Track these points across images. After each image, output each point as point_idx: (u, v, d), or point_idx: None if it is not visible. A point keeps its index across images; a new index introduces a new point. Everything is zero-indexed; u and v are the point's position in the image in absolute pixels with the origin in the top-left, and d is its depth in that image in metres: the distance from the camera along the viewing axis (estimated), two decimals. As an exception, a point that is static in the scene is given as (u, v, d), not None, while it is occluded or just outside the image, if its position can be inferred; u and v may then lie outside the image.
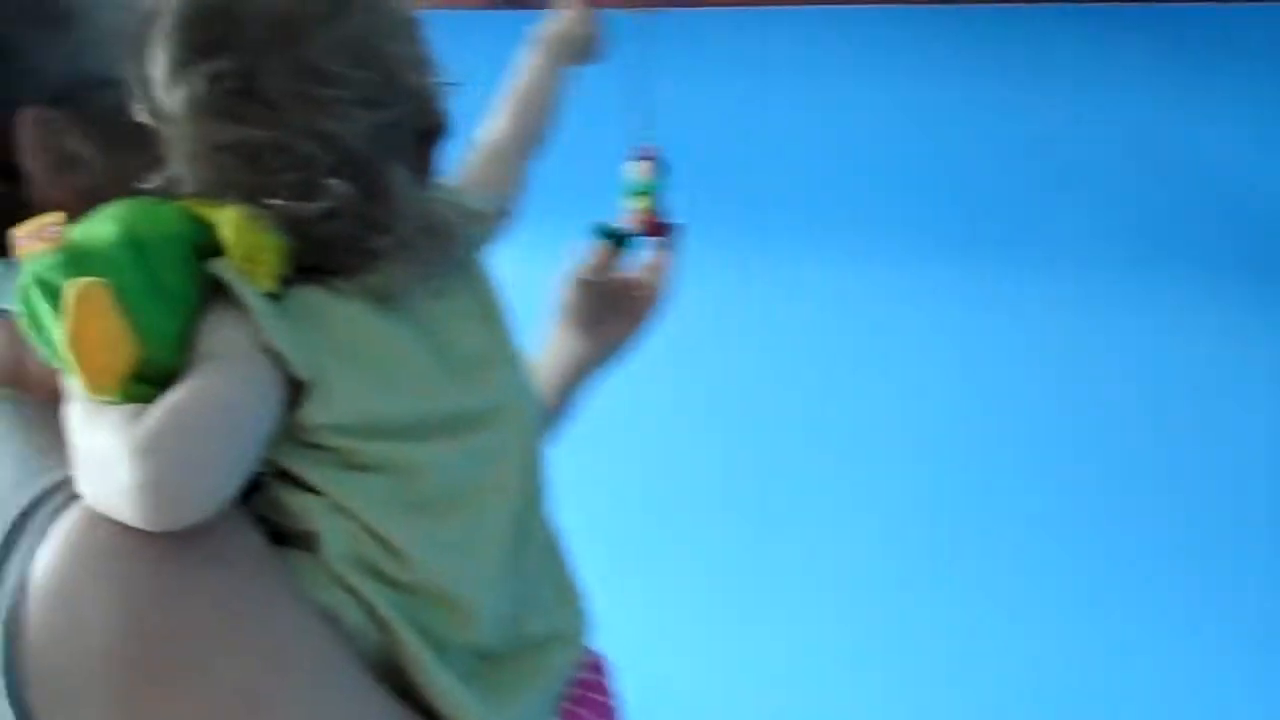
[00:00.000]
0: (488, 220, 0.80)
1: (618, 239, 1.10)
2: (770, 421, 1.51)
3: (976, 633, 1.42)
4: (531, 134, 0.99)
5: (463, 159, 0.92)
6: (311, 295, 0.66)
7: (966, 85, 1.21)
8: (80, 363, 0.58)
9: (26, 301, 0.60)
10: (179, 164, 0.65)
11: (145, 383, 0.60)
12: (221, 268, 0.63)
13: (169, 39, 0.64)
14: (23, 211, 0.67)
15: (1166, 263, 1.27)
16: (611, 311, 1.08)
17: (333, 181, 0.64)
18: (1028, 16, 1.09)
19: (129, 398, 0.59)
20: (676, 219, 1.11)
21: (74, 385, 0.60)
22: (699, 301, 1.44)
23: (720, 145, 1.38)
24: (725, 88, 1.34)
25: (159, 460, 0.56)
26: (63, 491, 0.61)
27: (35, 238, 0.60)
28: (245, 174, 0.64)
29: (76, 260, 0.60)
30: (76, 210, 0.67)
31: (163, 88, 0.64)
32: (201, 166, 0.64)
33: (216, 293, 0.63)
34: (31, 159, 0.68)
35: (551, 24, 1.07)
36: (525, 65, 1.03)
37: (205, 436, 0.58)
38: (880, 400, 1.45)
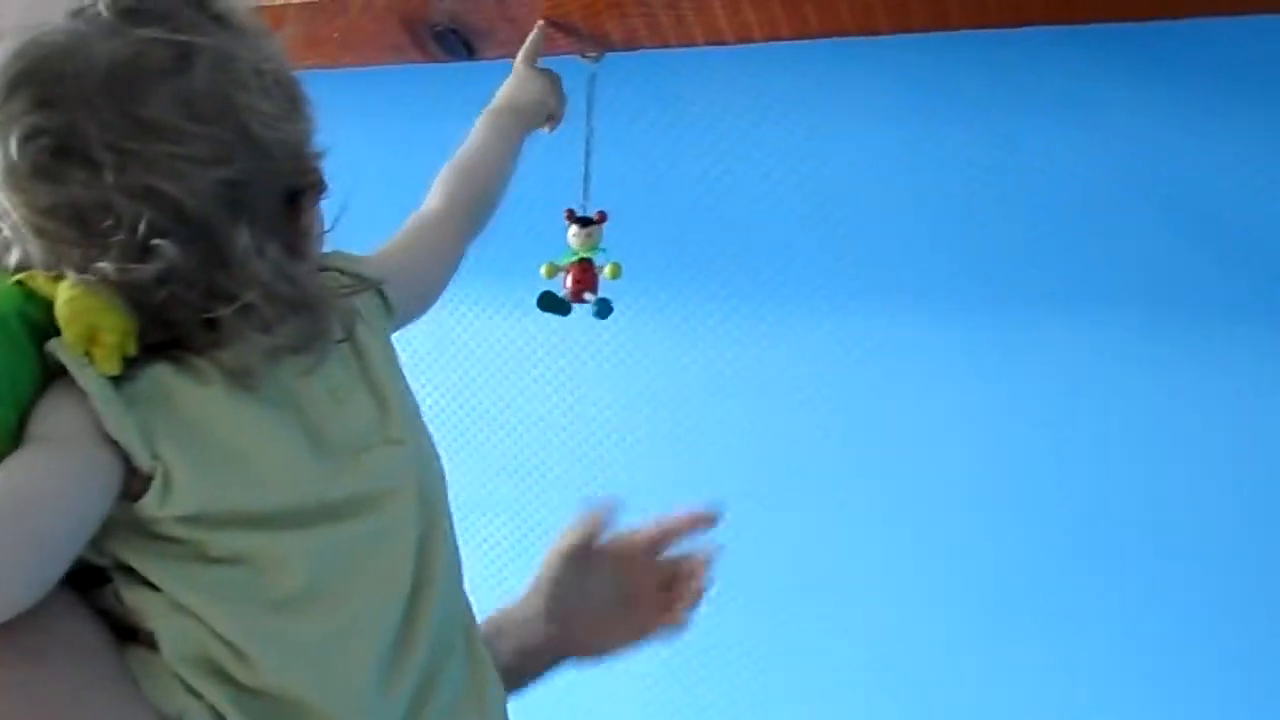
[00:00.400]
0: (373, 288, 0.75)
1: (561, 308, 1.10)
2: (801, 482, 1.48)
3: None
4: (478, 210, 0.95)
5: (404, 227, 0.89)
6: (161, 374, 0.61)
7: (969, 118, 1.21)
8: None
9: None
10: (7, 231, 0.61)
11: None
12: (59, 349, 0.59)
13: None
14: None
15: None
16: (605, 602, 0.97)
17: (161, 243, 0.59)
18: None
19: None
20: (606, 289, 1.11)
21: None
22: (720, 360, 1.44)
23: (711, 193, 1.38)
24: (705, 129, 1.34)
25: None
26: None
27: None
28: (73, 239, 0.59)
29: None
30: None
31: None
32: (29, 233, 0.60)
33: (60, 374, 0.59)
34: None
35: (510, 91, 1.04)
36: (479, 136, 0.99)
37: (8, 532, 0.53)
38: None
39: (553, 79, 1.08)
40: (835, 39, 0.98)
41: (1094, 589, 1.33)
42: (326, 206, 0.72)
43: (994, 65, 1.15)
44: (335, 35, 1.15)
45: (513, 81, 1.05)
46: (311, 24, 1.16)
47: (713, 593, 0.96)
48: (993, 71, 1.15)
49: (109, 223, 0.59)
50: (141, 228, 0.59)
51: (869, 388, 1.37)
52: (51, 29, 0.60)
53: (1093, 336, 1.23)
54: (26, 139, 0.58)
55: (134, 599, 0.60)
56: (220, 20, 0.64)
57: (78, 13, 0.61)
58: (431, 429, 0.76)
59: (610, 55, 1.09)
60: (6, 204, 0.60)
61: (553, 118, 1.08)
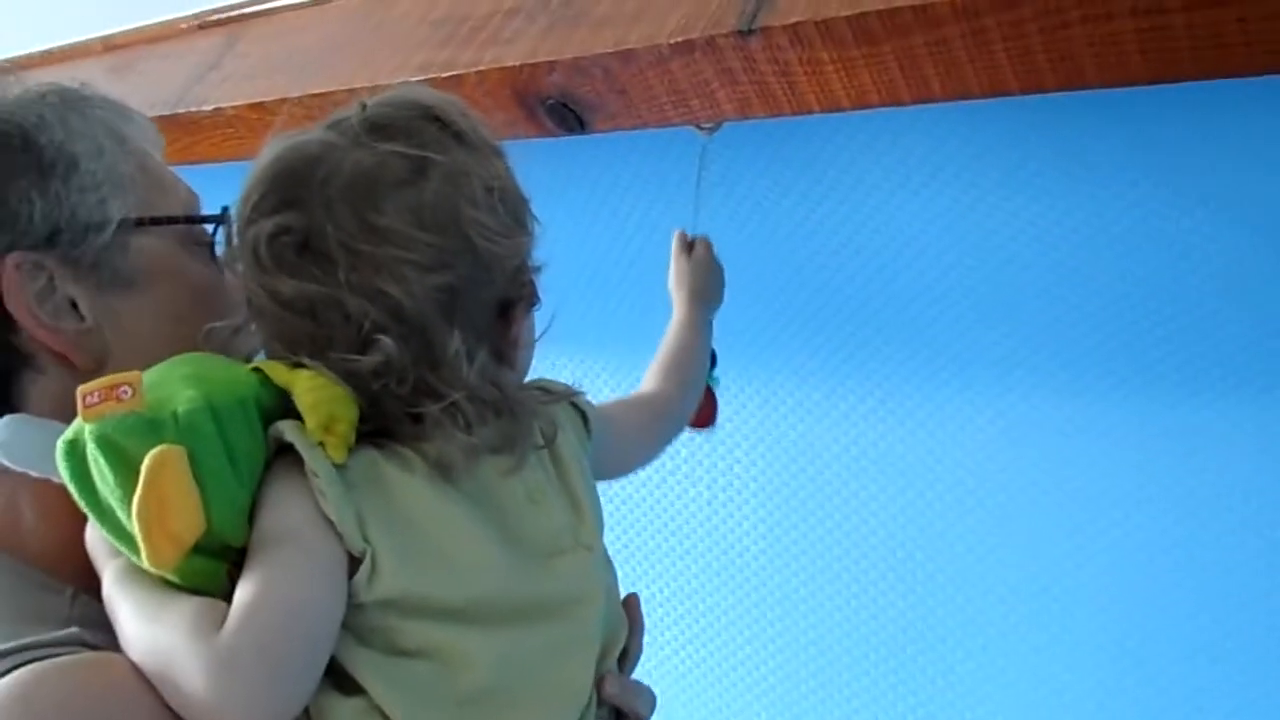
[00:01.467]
0: (572, 399, 0.77)
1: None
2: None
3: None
4: (684, 404, 1.00)
5: (623, 397, 0.95)
6: (372, 460, 0.65)
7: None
8: (148, 532, 0.55)
9: (82, 463, 0.58)
10: (247, 312, 0.67)
11: (201, 554, 0.58)
12: (292, 434, 0.62)
13: (249, 193, 0.66)
14: (16, 358, 0.68)
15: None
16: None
17: (381, 338, 0.63)
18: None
19: (185, 572, 0.58)
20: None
21: (120, 559, 0.59)
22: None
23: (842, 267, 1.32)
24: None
25: (239, 677, 0.55)
26: (8, 659, 0.57)
27: (106, 397, 0.58)
28: (306, 329, 0.64)
29: (155, 425, 0.58)
30: (77, 357, 0.69)
31: (236, 235, 0.67)
32: (265, 317, 0.66)
33: (277, 457, 0.63)
34: (15, 304, 0.68)
35: (686, 275, 1.08)
36: (676, 324, 1.04)
37: (286, 649, 0.57)
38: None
39: (711, 255, 1.11)
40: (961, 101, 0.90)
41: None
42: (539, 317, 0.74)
43: (1175, 125, 1.04)
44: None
45: (689, 276, 1.08)
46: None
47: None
48: (1174, 133, 1.04)
49: (338, 316, 0.64)
50: (366, 324, 0.63)
51: (1020, 467, 1.26)
52: (307, 138, 0.67)
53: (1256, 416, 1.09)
54: (275, 235, 0.64)
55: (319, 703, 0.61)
56: (459, 138, 0.68)
57: (334, 124, 0.68)
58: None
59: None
60: (249, 284, 0.65)
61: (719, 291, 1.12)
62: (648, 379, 0.98)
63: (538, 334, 0.75)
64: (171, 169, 0.80)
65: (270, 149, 0.67)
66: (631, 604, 0.78)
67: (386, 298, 0.64)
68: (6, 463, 0.66)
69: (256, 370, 0.64)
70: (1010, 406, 1.23)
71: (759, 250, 1.29)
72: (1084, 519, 1.22)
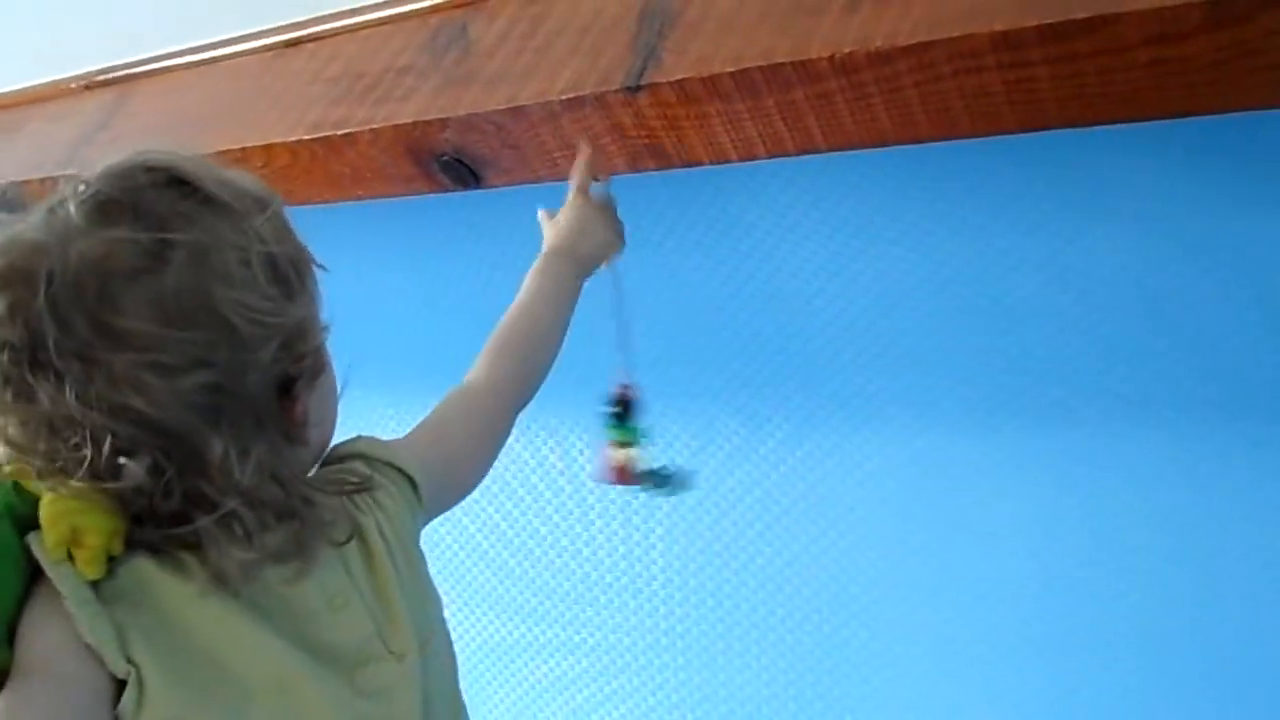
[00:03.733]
0: (384, 482, 0.70)
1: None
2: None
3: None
4: (526, 378, 0.86)
5: (442, 403, 0.81)
6: (142, 569, 0.59)
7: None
8: None
9: None
10: None
11: None
12: (37, 549, 0.57)
13: None
14: None
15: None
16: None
17: (128, 463, 0.56)
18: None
19: None
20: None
21: None
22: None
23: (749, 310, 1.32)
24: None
25: None
26: None
27: None
28: (43, 453, 0.57)
29: None
30: None
31: None
32: (6, 439, 0.58)
33: (40, 573, 0.58)
34: None
35: (563, 230, 0.93)
36: (530, 289, 0.89)
37: None
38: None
39: (609, 207, 0.98)
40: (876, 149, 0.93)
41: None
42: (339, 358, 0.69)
43: (1044, 168, 1.08)
44: (346, 169, 1.14)
45: (567, 217, 0.94)
46: (323, 158, 1.15)
47: None
48: (1043, 175, 1.08)
49: (75, 437, 0.56)
50: (106, 445, 0.56)
51: (939, 503, 1.28)
52: (22, 229, 0.58)
53: (1162, 446, 1.12)
54: None
55: None
56: (207, 202, 0.60)
57: (53, 209, 0.58)
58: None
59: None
60: None
61: (611, 253, 0.97)
62: (481, 360, 0.84)
63: (340, 388, 0.68)
64: None
65: None
66: None
67: (128, 411, 0.55)
68: None
69: (11, 479, 0.59)
70: (927, 444, 1.26)
71: (665, 298, 1.31)
72: (1004, 553, 1.24)
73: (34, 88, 1.60)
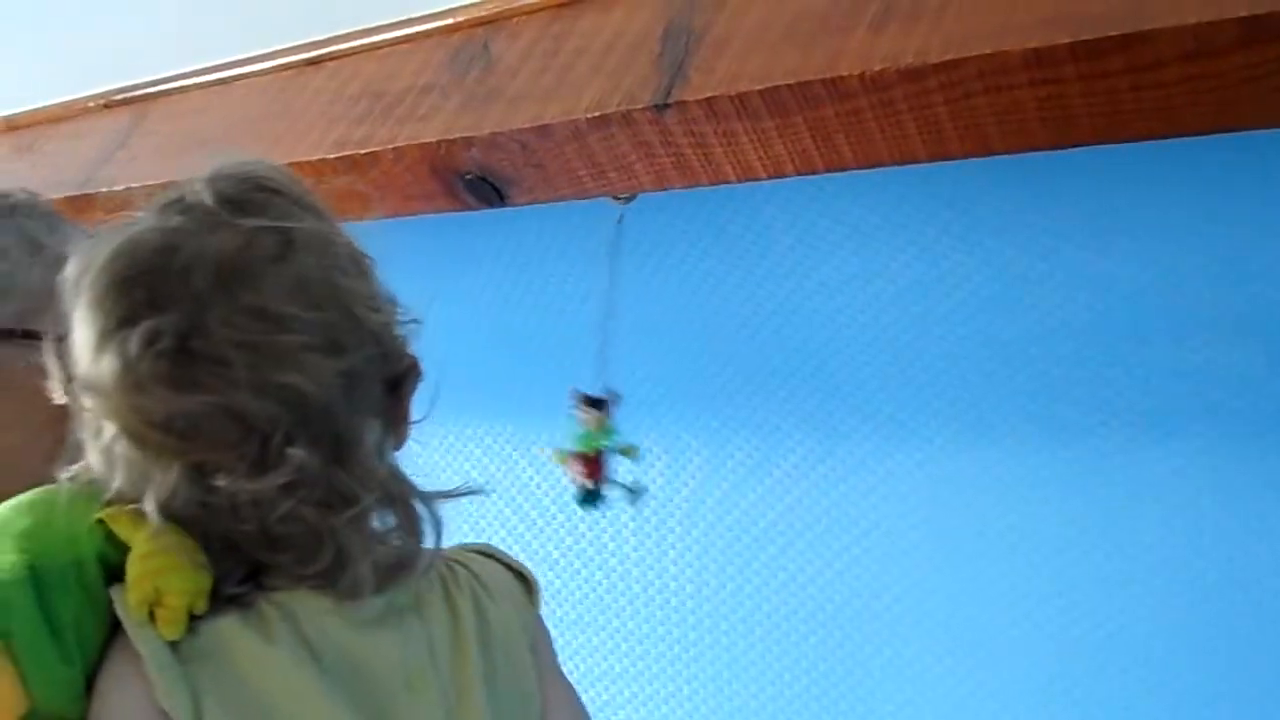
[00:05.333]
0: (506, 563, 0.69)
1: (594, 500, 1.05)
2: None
3: None
4: None
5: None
6: (225, 629, 0.57)
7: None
8: None
9: None
10: (97, 455, 0.57)
11: None
12: (119, 606, 0.56)
13: (96, 302, 0.56)
14: None
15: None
16: None
17: (294, 451, 0.55)
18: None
19: None
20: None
21: None
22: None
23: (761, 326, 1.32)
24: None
25: None
26: None
27: None
28: (186, 452, 0.56)
29: None
30: None
31: (88, 360, 0.56)
32: (128, 448, 0.56)
33: (120, 626, 0.56)
34: None
35: None
36: None
37: None
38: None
39: None
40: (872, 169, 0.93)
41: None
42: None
43: (1068, 185, 1.08)
44: (370, 188, 1.14)
45: None
46: (347, 177, 1.15)
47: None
48: (1068, 192, 1.09)
49: (234, 431, 0.55)
50: (276, 433, 0.55)
51: (946, 518, 1.27)
52: (143, 228, 0.58)
53: (1185, 461, 1.11)
54: (147, 343, 0.54)
55: None
56: (308, 206, 0.62)
57: (170, 208, 0.59)
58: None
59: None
60: (113, 412, 0.56)
61: None
62: None
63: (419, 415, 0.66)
64: None
65: (96, 248, 0.57)
66: None
67: (295, 392, 0.55)
68: None
69: (101, 524, 0.57)
70: (931, 459, 1.25)
71: (681, 315, 1.31)
72: (1028, 570, 1.23)
73: (52, 107, 1.61)
